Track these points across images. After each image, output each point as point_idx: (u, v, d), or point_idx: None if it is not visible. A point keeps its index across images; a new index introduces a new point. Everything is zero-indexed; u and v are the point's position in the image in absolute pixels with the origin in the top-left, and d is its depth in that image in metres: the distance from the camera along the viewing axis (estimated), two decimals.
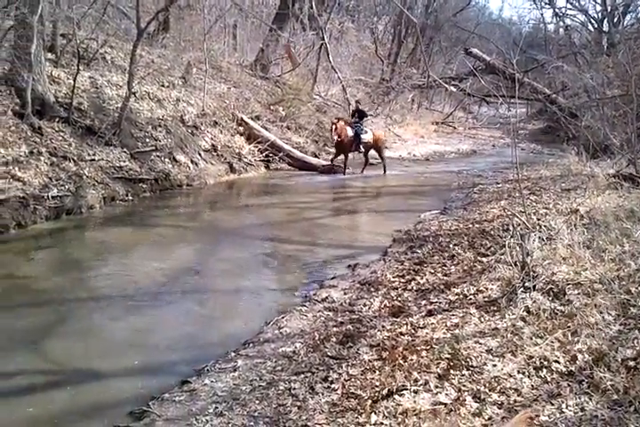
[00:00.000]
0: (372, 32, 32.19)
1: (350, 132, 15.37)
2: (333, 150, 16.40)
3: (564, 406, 3.56)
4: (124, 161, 11.75)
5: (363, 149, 15.83)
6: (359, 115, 16.15)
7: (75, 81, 11.80)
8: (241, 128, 16.47)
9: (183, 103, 15.28)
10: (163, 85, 15.39)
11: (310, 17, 23.05)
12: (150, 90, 14.63)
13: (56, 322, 5.72)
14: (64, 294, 6.42)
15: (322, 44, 21.63)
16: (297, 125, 19.11)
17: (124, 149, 12.02)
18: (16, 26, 10.45)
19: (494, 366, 4.12)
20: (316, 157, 17.43)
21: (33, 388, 4.50)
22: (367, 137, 15.77)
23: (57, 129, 11.03)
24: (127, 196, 11.11)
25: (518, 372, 4.01)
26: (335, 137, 15.24)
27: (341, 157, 15.78)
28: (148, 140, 12.94)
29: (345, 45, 27.07)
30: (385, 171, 16.00)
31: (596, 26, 29.82)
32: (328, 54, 21.25)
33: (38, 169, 9.70)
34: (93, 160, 11.04)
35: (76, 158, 10.65)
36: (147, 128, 13.21)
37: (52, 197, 9.40)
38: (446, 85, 25.68)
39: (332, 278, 6.99)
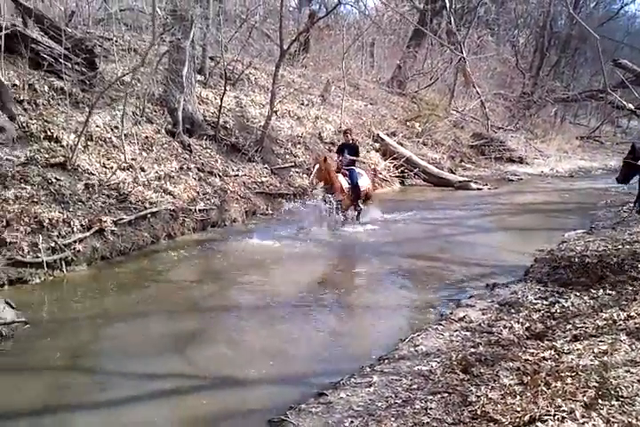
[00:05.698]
0: (512, 45, 31.35)
1: (345, 182, 10.58)
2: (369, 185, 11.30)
3: None
4: (265, 176, 12.24)
5: (361, 207, 10.97)
6: (350, 151, 11.00)
7: (221, 101, 12.52)
8: (377, 144, 16.63)
9: (321, 121, 15.69)
10: (302, 104, 15.91)
11: (448, 32, 22.87)
12: (291, 108, 15.20)
13: (201, 329, 6.02)
14: (209, 301, 6.79)
15: (460, 58, 21.36)
16: (433, 141, 18.99)
17: (265, 165, 12.55)
18: (171, 50, 11.25)
19: None
20: (452, 172, 17.23)
21: (177, 392, 4.76)
22: (364, 183, 10.96)
23: (204, 146, 11.74)
24: (267, 210, 11.53)
25: None
26: (320, 183, 10.15)
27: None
28: (287, 156, 13.43)
29: (484, 59, 26.54)
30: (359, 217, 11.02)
31: None
32: (466, 69, 20.94)
33: (187, 184, 10.32)
34: (237, 176, 11.60)
35: (221, 174, 11.26)
36: (287, 145, 13.73)
37: (199, 211, 9.95)
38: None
39: (470, 297, 6.83)
